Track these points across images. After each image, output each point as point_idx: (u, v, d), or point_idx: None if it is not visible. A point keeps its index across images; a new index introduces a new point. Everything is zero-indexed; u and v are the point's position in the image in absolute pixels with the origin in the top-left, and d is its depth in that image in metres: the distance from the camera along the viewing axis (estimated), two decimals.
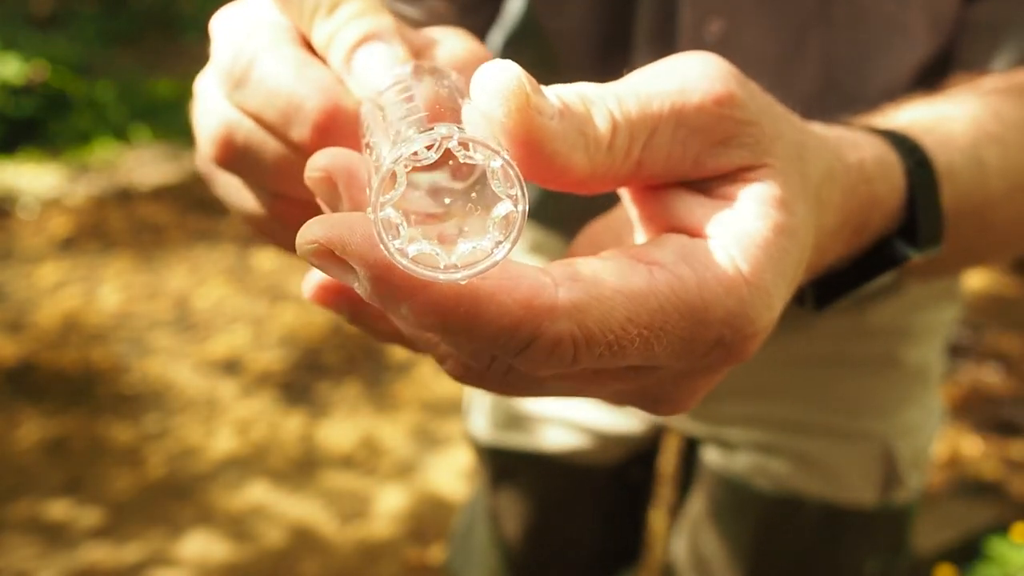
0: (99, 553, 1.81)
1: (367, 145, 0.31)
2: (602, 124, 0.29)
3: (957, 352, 2.45)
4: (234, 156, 0.36)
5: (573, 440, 0.89)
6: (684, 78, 0.30)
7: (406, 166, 0.26)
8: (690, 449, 0.93)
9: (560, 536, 0.95)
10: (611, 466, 0.91)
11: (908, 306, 0.76)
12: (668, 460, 0.99)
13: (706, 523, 0.87)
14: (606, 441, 0.89)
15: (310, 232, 0.27)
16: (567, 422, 0.89)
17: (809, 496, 0.80)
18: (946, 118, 0.47)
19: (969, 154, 0.45)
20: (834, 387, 0.79)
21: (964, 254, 0.53)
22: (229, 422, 2.22)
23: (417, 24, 0.63)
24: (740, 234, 0.29)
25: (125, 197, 3.59)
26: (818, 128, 0.37)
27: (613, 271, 0.27)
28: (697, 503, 0.89)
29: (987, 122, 0.47)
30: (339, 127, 0.33)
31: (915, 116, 0.46)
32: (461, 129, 0.27)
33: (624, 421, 0.88)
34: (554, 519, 0.95)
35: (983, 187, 0.46)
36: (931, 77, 0.62)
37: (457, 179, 0.30)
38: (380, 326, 0.35)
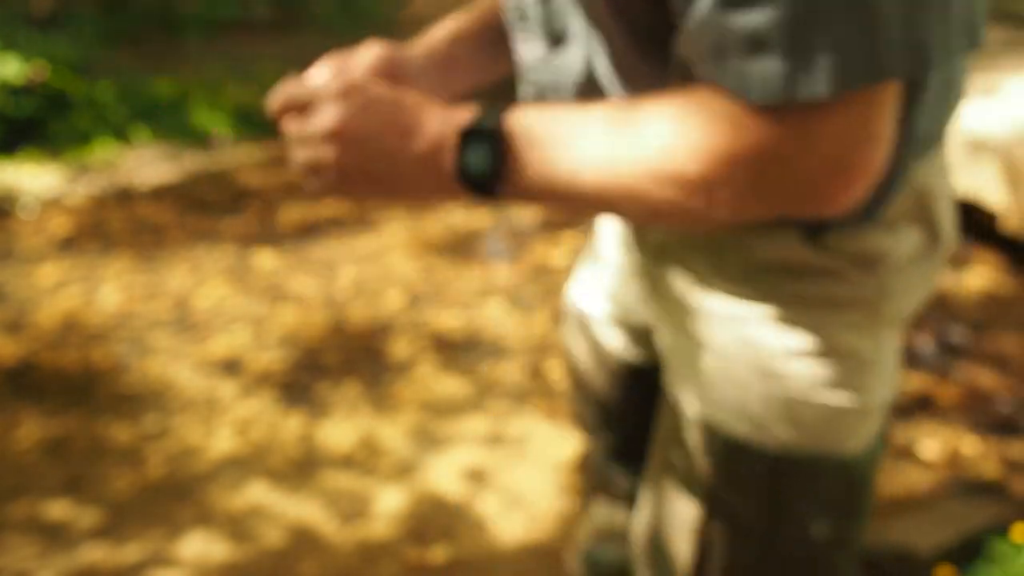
0: (99, 553, 1.81)
1: None
2: None
3: (957, 352, 2.45)
4: None
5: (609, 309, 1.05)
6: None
7: None
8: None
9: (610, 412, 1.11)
10: (640, 363, 1.04)
11: (696, 283, 0.78)
12: None
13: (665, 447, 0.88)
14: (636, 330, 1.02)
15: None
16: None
17: (727, 429, 0.78)
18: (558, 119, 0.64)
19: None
20: (677, 327, 0.83)
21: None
22: (229, 422, 2.22)
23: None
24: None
25: (125, 197, 3.59)
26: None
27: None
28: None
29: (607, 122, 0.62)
30: None
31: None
32: None
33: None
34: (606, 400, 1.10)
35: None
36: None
37: None
38: None
